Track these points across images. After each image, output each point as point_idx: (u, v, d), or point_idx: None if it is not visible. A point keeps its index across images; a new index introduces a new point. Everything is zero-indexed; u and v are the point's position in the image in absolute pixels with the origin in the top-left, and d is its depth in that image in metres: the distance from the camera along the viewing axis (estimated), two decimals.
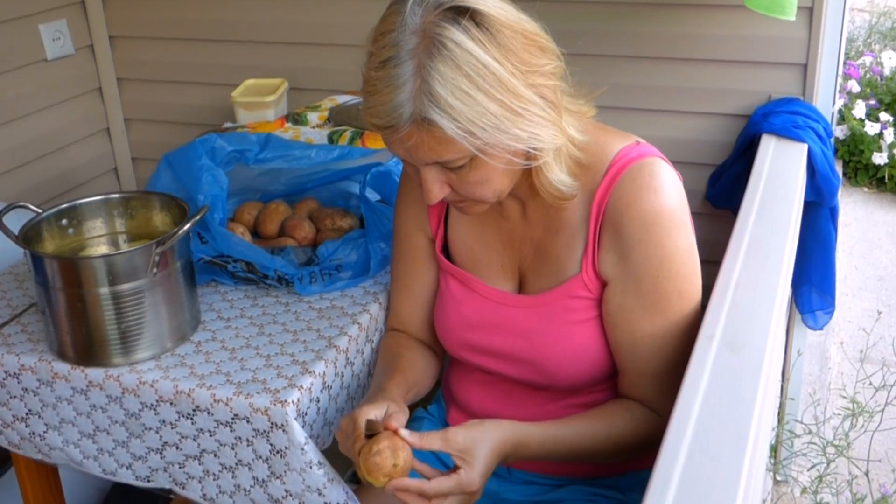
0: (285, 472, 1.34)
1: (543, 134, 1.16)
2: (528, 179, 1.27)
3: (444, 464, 1.40)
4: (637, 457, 1.34)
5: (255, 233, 1.76)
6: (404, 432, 1.17)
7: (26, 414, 1.49)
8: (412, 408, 1.55)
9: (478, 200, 1.24)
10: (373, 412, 1.20)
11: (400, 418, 1.21)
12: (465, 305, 1.41)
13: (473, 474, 1.17)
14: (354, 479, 1.20)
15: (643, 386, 1.32)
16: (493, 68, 1.10)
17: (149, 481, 1.47)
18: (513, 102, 1.12)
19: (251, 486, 1.38)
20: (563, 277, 1.32)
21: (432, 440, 1.18)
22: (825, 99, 2.02)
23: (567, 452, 1.29)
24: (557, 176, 1.24)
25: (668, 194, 1.25)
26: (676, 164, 1.32)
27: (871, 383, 2.36)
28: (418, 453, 1.20)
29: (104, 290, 1.36)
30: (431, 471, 1.20)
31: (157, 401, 1.38)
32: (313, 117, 2.15)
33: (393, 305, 1.53)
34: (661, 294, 1.26)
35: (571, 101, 1.25)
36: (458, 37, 1.09)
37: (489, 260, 1.40)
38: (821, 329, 2.14)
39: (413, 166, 1.22)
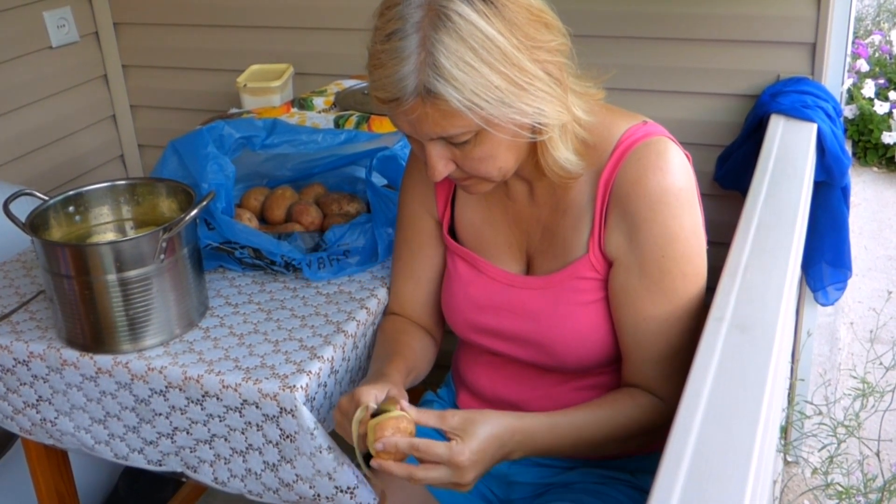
0: (295, 456, 1.34)
1: (548, 109, 1.16)
2: (533, 159, 1.26)
3: None
4: (643, 443, 1.34)
5: (262, 218, 1.76)
6: (405, 403, 1.17)
7: (37, 400, 1.50)
8: (415, 392, 1.55)
9: (483, 178, 1.24)
10: (374, 392, 1.20)
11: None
12: (472, 287, 1.41)
13: (463, 447, 1.14)
14: (364, 463, 1.20)
15: (646, 370, 1.31)
16: (497, 41, 1.09)
17: (160, 465, 1.47)
18: (517, 76, 1.11)
19: (262, 471, 1.39)
20: (570, 258, 1.32)
21: (429, 416, 1.18)
22: (834, 78, 2.00)
23: (574, 442, 1.28)
24: (563, 154, 1.23)
25: (675, 173, 1.24)
26: (684, 145, 1.31)
27: (881, 363, 2.35)
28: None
29: (112, 277, 1.36)
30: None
31: (166, 387, 1.38)
32: (319, 102, 2.14)
33: (394, 288, 1.53)
34: (664, 274, 1.25)
35: (578, 82, 1.24)
36: (463, 9, 1.09)
37: (496, 241, 1.40)
38: (832, 304, 2.12)
39: (418, 143, 1.22)
